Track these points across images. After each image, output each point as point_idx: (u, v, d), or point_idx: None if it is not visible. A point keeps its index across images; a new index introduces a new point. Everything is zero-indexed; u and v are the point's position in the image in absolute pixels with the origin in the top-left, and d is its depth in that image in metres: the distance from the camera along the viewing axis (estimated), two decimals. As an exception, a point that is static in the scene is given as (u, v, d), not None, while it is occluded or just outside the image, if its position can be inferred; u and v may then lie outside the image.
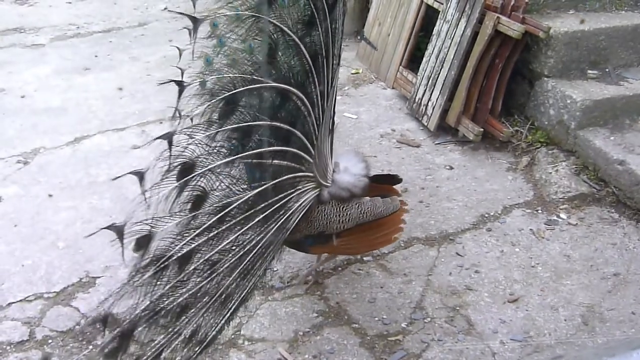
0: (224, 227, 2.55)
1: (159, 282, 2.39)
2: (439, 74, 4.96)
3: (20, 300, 3.39)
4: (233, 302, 2.74)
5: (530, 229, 4.01)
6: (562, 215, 4.12)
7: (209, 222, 2.50)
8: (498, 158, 4.74)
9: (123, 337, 2.34)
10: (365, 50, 6.22)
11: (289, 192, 2.77)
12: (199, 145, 2.41)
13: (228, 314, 2.74)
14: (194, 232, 2.45)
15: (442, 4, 5.10)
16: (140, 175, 2.30)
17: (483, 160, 4.72)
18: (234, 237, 2.59)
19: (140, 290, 2.34)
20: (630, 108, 4.58)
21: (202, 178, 2.45)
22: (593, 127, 4.49)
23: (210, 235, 2.52)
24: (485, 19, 4.64)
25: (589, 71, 4.79)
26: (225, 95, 2.45)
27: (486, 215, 4.14)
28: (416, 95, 5.20)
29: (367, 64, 6.18)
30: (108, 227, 2.27)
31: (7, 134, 5.01)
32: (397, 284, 3.58)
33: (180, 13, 2.52)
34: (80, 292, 3.46)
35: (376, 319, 3.35)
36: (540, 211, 4.18)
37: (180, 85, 2.40)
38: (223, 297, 2.66)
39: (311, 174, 2.86)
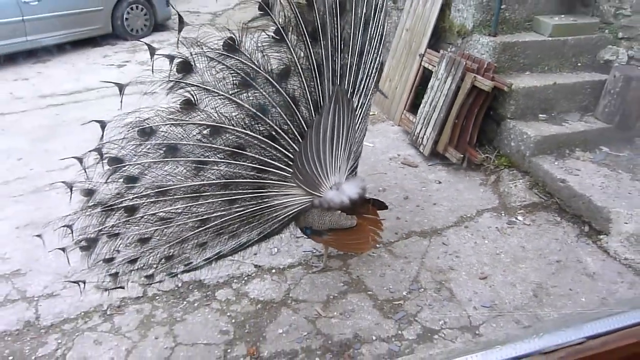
0: (166, 198, 2.58)
1: (108, 218, 2.53)
2: (432, 115, 4.91)
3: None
4: (211, 249, 2.83)
5: (496, 227, 3.95)
6: (519, 218, 4.05)
7: (147, 193, 2.54)
8: (473, 176, 4.66)
9: (89, 241, 2.56)
10: (380, 98, 6.19)
11: (257, 191, 2.75)
12: (124, 149, 2.45)
13: (211, 256, 2.85)
14: (133, 195, 2.53)
15: (435, 67, 5.06)
16: (79, 160, 2.45)
17: (462, 177, 4.65)
18: (182, 206, 2.62)
19: (92, 218, 2.50)
20: (569, 142, 4.49)
21: (132, 168, 2.49)
22: (542, 155, 4.41)
23: (151, 200, 2.56)
24: (465, 77, 4.59)
25: (540, 115, 4.72)
26: (143, 127, 2.45)
27: (464, 217, 4.09)
28: (415, 130, 5.15)
29: (381, 108, 6.14)
30: (63, 182, 2.51)
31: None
32: (400, 264, 3.55)
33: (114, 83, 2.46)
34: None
35: (385, 288, 3.33)
36: (503, 214, 4.10)
37: (102, 122, 2.43)
38: (192, 242, 2.74)
39: (291, 184, 2.81)
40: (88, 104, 6.17)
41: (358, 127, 3.12)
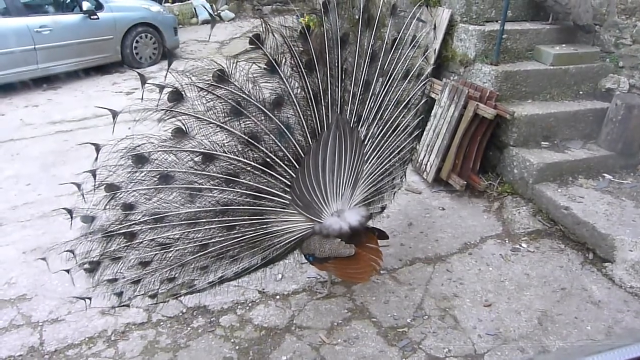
0: (163, 225, 2.59)
1: (109, 243, 2.56)
2: (435, 143, 4.94)
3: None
4: (214, 273, 2.83)
5: (500, 254, 3.93)
6: (523, 245, 4.03)
7: (144, 219, 2.56)
8: (477, 203, 4.67)
9: (93, 264, 2.60)
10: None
11: (255, 217, 2.73)
12: (119, 176, 2.49)
13: (213, 279, 2.84)
14: (130, 222, 2.55)
15: (438, 95, 5.12)
16: (78, 186, 2.49)
17: (466, 204, 4.66)
18: (180, 232, 2.62)
19: (94, 243, 2.54)
20: (572, 169, 4.50)
21: (128, 195, 2.51)
22: (545, 182, 4.42)
23: (149, 227, 2.58)
24: (468, 105, 4.64)
25: (542, 143, 4.74)
26: (136, 153, 2.47)
27: (468, 243, 4.07)
28: (419, 158, 5.17)
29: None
30: (64, 208, 2.55)
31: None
32: (404, 290, 3.53)
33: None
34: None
35: (389, 315, 3.31)
36: (507, 241, 4.09)
37: (97, 146, 2.49)
38: (193, 266, 2.74)
39: (291, 211, 2.80)
40: (97, 130, 6.25)
41: (373, 158, 3.10)
